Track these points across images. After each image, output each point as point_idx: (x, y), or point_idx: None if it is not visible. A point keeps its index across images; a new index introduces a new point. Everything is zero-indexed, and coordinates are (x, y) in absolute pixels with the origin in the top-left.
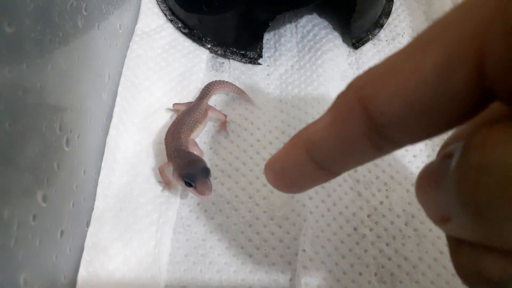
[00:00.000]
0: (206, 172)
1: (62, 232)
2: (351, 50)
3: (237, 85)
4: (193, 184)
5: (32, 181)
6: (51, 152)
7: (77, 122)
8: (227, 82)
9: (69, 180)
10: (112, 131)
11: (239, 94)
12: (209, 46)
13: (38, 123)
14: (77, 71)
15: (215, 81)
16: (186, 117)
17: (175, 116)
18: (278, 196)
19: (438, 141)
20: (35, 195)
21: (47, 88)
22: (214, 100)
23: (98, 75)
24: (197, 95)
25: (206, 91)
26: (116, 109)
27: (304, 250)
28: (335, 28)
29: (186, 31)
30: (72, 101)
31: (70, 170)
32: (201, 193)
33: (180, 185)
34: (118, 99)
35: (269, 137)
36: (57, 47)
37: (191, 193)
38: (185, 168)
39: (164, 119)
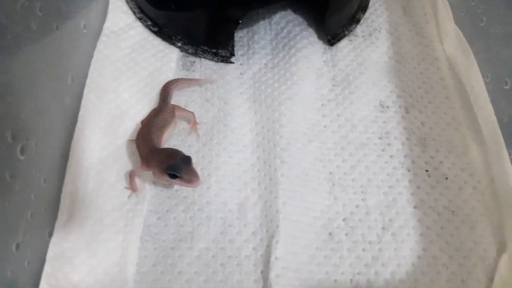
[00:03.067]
0: (187, 160)
1: (18, 246)
2: (327, 47)
3: (209, 84)
4: (178, 175)
5: None
6: (0, 161)
7: (35, 129)
8: (180, 78)
9: (26, 191)
10: (76, 136)
11: (198, 83)
12: (179, 44)
13: None
14: (33, 75)
15: (170, 81)
16: (154, 118)
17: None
18: (252, 202)
19: (416, 140)
20: None
21: None
22: (185, 101)
23: (59, 78)
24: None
25: (165, 92)
26: (81, 113)
27: (276, 257)
28: (310, 25)
29: (155, 29)
30: (27, 107)
31: (26, 180)
32: (189, 181)
33: (165, 182)
34: (83, 102)
35: (243, 140)
36: (5, 51)
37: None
38: (165, 161)
39: (132, 122)
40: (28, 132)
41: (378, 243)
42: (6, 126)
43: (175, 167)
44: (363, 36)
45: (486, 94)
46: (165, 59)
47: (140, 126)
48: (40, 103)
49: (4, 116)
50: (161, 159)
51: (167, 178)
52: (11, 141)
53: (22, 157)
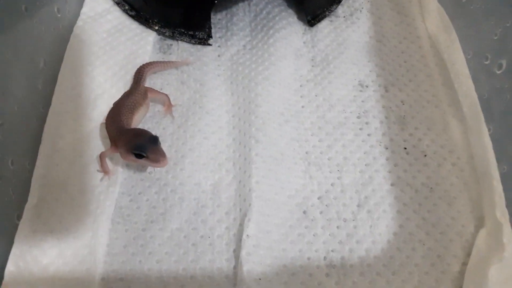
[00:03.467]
0: (154, 140)
1: None
2: (307, 28)
3: (186, 67)
4: (144, 154)
5: None
6: None
7: (0, 110)
8: (156, 61)
9: None
10: (49, 120)
11: (174, 65)
12: (156, 28)
13: None
14: None
15: (145, 64)
16: (125, 99)
17: None
18: (226, 182)
19: (394, 118)
20: None
21: None
22: (160, 84)
23: (29, 61)
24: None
25: (139, 74)
26: (54, 97)
27: (248, 235)
28: (289, 6)
29: (133, 13)
30: None
31: None
32: (155, 161)
33: (132, 163)
34: (57, 86)
35: (219, 122)
36: None
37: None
38: (131, 141)
39: (106, 105)
40: None
41: (353, 220)
42: None
43: (141, 146)
44: (344, 17)
45: (467, 70)
46: (142, 42)
47: (111, 108)
48: (6, 84)
49: None
50: (128, 139)
51: (133, 158)
52: None
53: None
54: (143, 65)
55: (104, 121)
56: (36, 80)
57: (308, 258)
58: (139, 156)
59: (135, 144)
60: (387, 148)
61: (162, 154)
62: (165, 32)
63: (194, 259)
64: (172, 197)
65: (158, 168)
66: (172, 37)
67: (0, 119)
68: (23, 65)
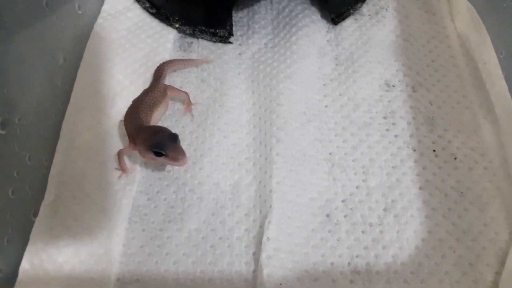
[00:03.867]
0: (173, 137)
1: None
2: (330, 26)
3: (206, 65)
4: (163, 152)
5: None
6: None
7: (18, 105)
8: (176, 59)
9: (6, 167)
10: (68, 116)
11: (194, 63)
12: (177, 25)
13: None
14: (17, 49)
15: (165, 61)
16: (144, 97)
17: None
18: (246, 182)
19: (422, 119)
20: None
21: None
22: (180, 82)
23: (49, 56)
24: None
25: (159, 72)
26: (73, 94)
27: (268, 238)
28: (312, 3)
29: (153, 11)
30: (10, 81)
31: (7, 156)
32: (174, 159)
33: (151, 161)
34: (76, 83)
35: (239, 120)
36: None
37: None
38: (150, 139)
39: (125, 103)
40: (10, 106)
41: (379, 225)
42: None
43: (160, 144)
44: (369, 15)
45: (499, 70)
46: (162, 40)
47: (130, 105)
48: (26, 79)
49: None
50: (147, 136)
51: (152, 156)
52: None
53: (2, 132)
54: (163, 62)
55: (122, 119)
56: (56, 76)
57: (332, 264)
58: (158, 154)
59: (154, 141)
60: (415, 150)
61: (181, 153)
62: (186, 30)
63: (212, 261)
64: (191, 196)
65: (177, 167)
66: (193, 35)
67: (18, 113)
68: (43, 61)
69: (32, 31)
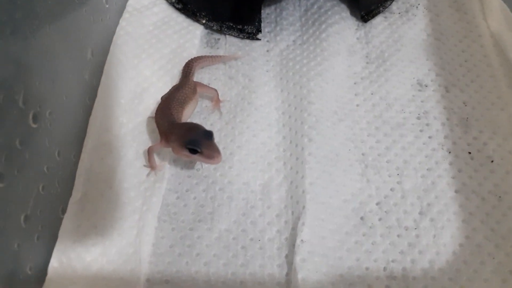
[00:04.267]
0: (209, 135)
1: (26, 218)
2: (360, 23)
3: (234, 62)
4: (199, 150)
5: None
6: (10, 126)
7: (49, 98)
8: (205, 55)
9: (37, 161)
10: (95, 112)
11: (222, 60)
12: (203, 21)
13: None
14: (49, 43)
15: (193, 58)
16: (175, 93)
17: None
18: (276, 182)
19: (457, 121)
20: None
21: (7, 55)
22: (208, 79)
23: (77, 50)
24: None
25: (188, 68)
26: (100, 89)
27: (302, 240)
28: (342, 0)
29: (179, 6)
30: (41, 74)
31: (38, 150)
32: (210, 157)
33: (184, 158)
34: (103, 78)
35: (268, 119)
36: (21, 15)
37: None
38: (185, 135)
39: (152, 99)
40: (41, 99)
41: (415, 229)
42: (18, 89)
43: (195, 141)
44: (399, 13)
45: None
46: (189, 36)
47: (160, 102)
48: (56, 72)
49: (16, 78)
50: (181, 133)
51: (186, 153)
52: (22, 106)
53: (34, 125)
54: (192, 59)
55: (151, 115)
56: (84, 71)
57: (367, 268)
58: (193, 151)
59: (189, 139)
60: (450, 152)
61: (216, 150)
62: (213, 26)
63: (244, 263)
64: (221, 196)
65: (206, 165)
66: (220, 31)
67: (49, 107)
68: (72, 54)
69: (63, 23)
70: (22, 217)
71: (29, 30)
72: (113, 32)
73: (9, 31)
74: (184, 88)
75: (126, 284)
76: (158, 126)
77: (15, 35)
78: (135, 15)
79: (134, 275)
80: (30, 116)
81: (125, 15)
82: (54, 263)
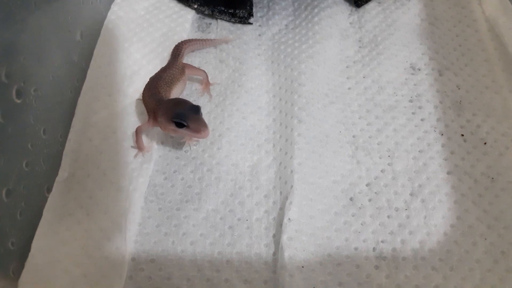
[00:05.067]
0: (196, 109)
1: (8, 192)
2: (353, 8)
3: (225, 45)
4: (185, 123)
5: None
6: None
7: (34, 75)
8: (195, 38)
9: (21, 137)
10: (84, 94)
11: (213, 43)
12: (195, 6)
13: None
14: (34, 19)
15: (183, 40)
16: (162, 73)
17: None
18: (265, 164)
19: (450, 103)
20: None
21: None
22: (198, 62)
23: (65, 31)
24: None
25: (177, 50)
26: (89, 71)
27: (289, 219)
28: None
29: None
30: (26, 50)
31: (22, 126)
32: (196, 130)
33: (171, 133)
34: (92, 61)
35: (258, 102)
36: None
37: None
38: (172, 110)
39: (142, 82)
40: (25, 76)
41: (406, 210)
42: (1, 62)
43: (182, 115)
44: None
45: None
46: (180, 20)
47: (148, 81)
48: (42, 50)
49: None
50: (168, 107)
51: (173, 127)
52: (5, 80)
53: (17, 101)
54: (182, 41)
55: (140, 97)
56: (72, 52)
57: (355, 249)
58: (179, 125)
59: (175, 112)
60: (442, 134)
61: (203, 124)
62: (204, 11)
63: (231, 242)
64: (208, 176)
65: (194, 147)
66: (212, 15)
67: (34, 84)
68: (60, 35)
69: (50, 3)
70: (4, 191)
71: (12, 5)
72: (104, 17)
73: None
74: (172, 68)
75: (111, 262)
76: (145, 105)
77: None
78: (127, 0)
79: (119, 253)
80: (13, 91)
81: (117, 0)
82: (38, 240)
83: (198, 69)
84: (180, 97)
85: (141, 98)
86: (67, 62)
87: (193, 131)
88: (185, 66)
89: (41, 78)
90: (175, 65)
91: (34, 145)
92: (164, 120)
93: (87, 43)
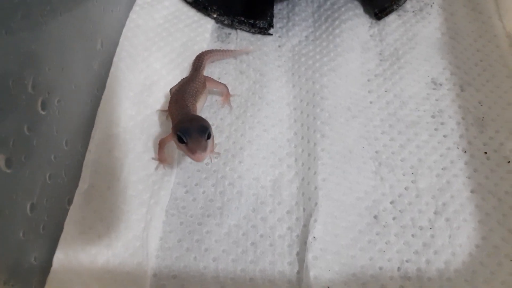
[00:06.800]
0: (203, 130)
1: (32, 206)
2: (373, 21)
3: (245, 56)
4: (185, 140)
5: None
6: (19, 111)
7: (58, 86)
8: (215, 49)
9: (45, 149)
10: (103, 104)
11: (233, 54)
12: (215, 15)
13: (0, 73)
14: (59, 28)
15: (204, 51)
16: (185, 87)
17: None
18: (287, 179)
19: (472, 120)
20: None
21: (15, 37)
22: (218, 73)
23: (87, 39)
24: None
25: (198, 62)
26: (109, 81)
27: (314, 237)
28: None
29: (190, 0)
30: (51, 60)
31: (46, 138)
32: (191, 150)
33: (176, 146)
34: (112, 70)
35: (279, 114)
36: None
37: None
38: (182, 123)
39: (162, 92)
40: (50, 86)
41: (430, 228)
42: (27, 73)
43: (186, 130)
44: (413, 11)
45: None
46: (200, 29)
47: (170, 94)
48: (65, 60)
49: (26, 62)
50: (182, 120)
51: (175, 139)
52: (32, 91)
53: (43, 112)
54: (202, 52)
55: (161, 108)
56: (93, 61)
57: (380, 268)
58: (180, 139)
59: (182, 127)
60: (465, 152)
61: (201, 148)
62: (224, 20)
63: (254, 259)
64: (230, 190)
65: (215, 160)
66: (231, 25)
67: (58, 95)
68: (82, 43)
69: (73, 10)
70: (28, 205)
71: (40, 15)
72: (123, 25)
73: (20, 15)
74: (194, 82)
75: (132, 278)
76: (172, 118)
77: (26, 19)
78: (146, 8)
79: (141, 269)
80: (39, 103)
81: (135, 8)
82: (59, 254)
83: (219, 82)
84: (202, 109)
85: (163, 109)
86: (88, 71)
87: (188, 150)
88: (206, 79)
89: (64, 88)
90: (197, 78)
91: (57, 156)
92: (173, 130)
93: (107, 52)
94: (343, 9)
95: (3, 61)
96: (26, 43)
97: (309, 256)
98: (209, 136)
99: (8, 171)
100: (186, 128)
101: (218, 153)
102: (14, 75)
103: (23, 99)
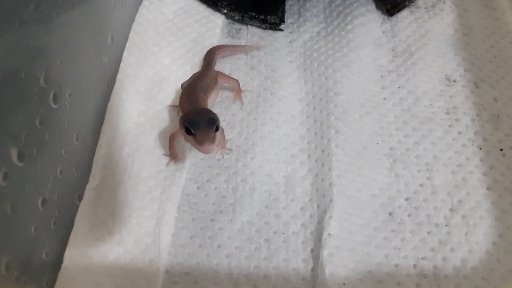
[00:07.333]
0: (211, 122)
1: (44, 201)
2: (385, 17)
3: (256, 52)
4: (193, 132)
5: (1, 132)
6: (31, 104)
7: (69, 79)
8: (226, 44)
9: (56, 143)
10: (113, 99)
11: (244, 49)
12: (225, 11)
13: (13, 66)
14: (70, 22)
15: (215, 46)
16: (197, 82)
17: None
18: (301, 175)
19: (487, 117)
20: (7, 151)
21: (28, 29)
22: (229, 69)
23: (97, 33)
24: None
25: (209, 57)
26: (119, 75)
27: (329, 234)
28: None
29: None
30: (62, 53)
31: (57, 132)
32: (199, 143)
33: (184, 138)
34: (122, 65)
35: (291, 110)
36: None
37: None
38: (190, 115)
39: (172, 88)
40: (62, 80)
41: (446, 226)
42: (40, 66)
43: (194, 122)
44: (425, 8)
45: None
46: (210, 25)
47: (181, 89)
48: (76, 54)
49: (38, 55)
50: (189, 112)
51: (183, 131)
52: (44, 84)
53: (54, 106)
54: (213, 47)
55: (172, 104)
56: (103, 56)
57: (396, 265)
58: (188, 131)
59: (190, 118)
60: (480, 148)
61: (210, 139)
62: (234, 16)
63: (267, 256)
64: (242, 187)
65: (227, 155)
66: (242, 21)
67: (69, 89)
68: (92, 37)
69: (85, 4)
70: (40, 200)
71: (52, 7)
72: (133, 19)
73: (32, 7)
74: (206, 77)
75: (144, 275)
76: (183, 112)
77: (37, 10)
78: (155, 3)
79: (152, 266)
80: (51, 96)
81: (145, 2)
82: (70, 251)
83: (231, 77)
84: (213, 104)
85: (173, 105)
86: (98, 65)
87: (196, 141)
88: (218, 74)
89: (75, 83)
90: (208, 74)
91: (68, 151)
92: (180, 121)
93: (117, 47)
94: (355, 5)
95: (16, 53)
96: (38, 35)
97: (325, 253)
98: (217, 129)
99: (20, 164)
100: (194, 120)
101: (230, 149)
102: (27, 67)
103: (35, 92)
